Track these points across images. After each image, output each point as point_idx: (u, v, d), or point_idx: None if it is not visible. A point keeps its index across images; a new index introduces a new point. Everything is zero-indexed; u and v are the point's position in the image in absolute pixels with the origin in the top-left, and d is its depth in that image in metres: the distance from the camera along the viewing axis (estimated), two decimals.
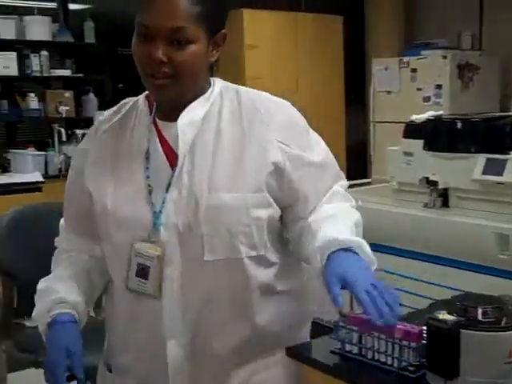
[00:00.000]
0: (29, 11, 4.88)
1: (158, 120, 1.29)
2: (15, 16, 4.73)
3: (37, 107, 4.79)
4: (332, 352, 1.29)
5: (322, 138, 1.37)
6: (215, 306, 1.26)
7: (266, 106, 1.29)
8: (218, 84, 1.31)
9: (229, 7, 1.32)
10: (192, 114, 1.26)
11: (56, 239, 1.43)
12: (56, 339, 1.25)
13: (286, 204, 1.30)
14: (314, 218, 1.29)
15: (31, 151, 4.67)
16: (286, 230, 1.35)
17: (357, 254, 1.20)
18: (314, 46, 5.79)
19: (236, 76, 5.53)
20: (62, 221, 1.43)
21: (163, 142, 1.27)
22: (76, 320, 1.29)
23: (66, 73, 4.85)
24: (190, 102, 1.26)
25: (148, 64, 1.20)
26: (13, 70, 4.66)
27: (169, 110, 1.27)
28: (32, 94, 4.79)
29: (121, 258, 1.27)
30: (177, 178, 1.24)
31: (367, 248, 1.21)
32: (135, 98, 1.34)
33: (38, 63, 4.76)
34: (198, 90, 1.27)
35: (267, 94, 1.34)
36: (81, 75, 4.91)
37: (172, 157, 1.26)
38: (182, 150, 1.24)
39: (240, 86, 1.34)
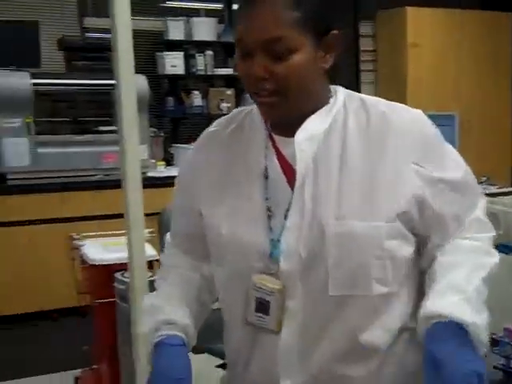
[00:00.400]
0: (196, 12, 5.14)
1: (274, 135, 1.17)
2: (183, 17, 4.98)
3: (200, 104, 5.02)
4: (495, 367, 1.23)
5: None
6: (335, 342, 1.11)
7: (399, 119, 1.13)
8: (340, 93, 1.17)
9: (337, 6, 1.16)
10: (311, 128, 1.13)
11: (161, 255, 1.35)
12: (164, 361, 1.14)
13: (423, 233, 1.14)
14: (442, 256, 1.13)
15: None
16: (419, 259, 1.18)
17: (465, 330, 1.01)
18: (479, 46, 5.49)
19: (397, 77, 5.40)
20: (167, 236, 1.34)
21: (281, 159, 1.15)
22: (185, 343, 1.17)
23: (229, 71, 5.03)
24: (309, 115, 1.13)
25: (250, 82, 1.09)
26: (179, 69, 4.94)
27: (285, 124, 1.14)
28: (196, 92, 5.03)
29: (236, 288, 1.16)
30: (298, 201, 1.11)
31: (481, 329, 1.01)
32: (250, 108, 1.21)
33: (202, 62, 4.99)
34: (317, 102, 1.14)
35: (397, 103, 1.17)
36: None
37: (291, 177, 1.13)
38: (301, 170, 1.11)
39: (365, 96, 1.18)
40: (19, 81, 4.03)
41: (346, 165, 1.11)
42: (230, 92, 5.02)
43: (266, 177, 1.14)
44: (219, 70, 5.05)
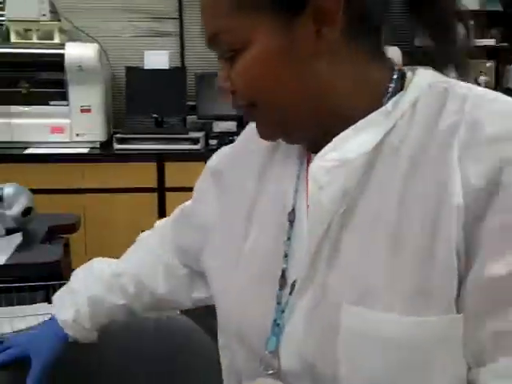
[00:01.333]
0: None
1: (313, 155, 0.76)
2: None
3: None
4: None
5: None
6: None
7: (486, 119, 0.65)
8: (418, 80, 0.71)
9: None
10: (346, 146, 0.68)
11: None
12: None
13: None
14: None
15: None
16: None
17: None
18: None
19: None
20: (162, 221, 1.15)
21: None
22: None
23: (490, 42, 4.65)
24: (357, 120, 0.70)
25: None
26: None
27: (319, 139, 0.72)
28: None
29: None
30: (310, 268, 0.72)
31: None
32: None
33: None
34: (357, 102, 0.70)
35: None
36: (505, 44, 4.77)
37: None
38: (316, 225, 0.70)
39: (471, 86, 0.70)
40: None
41: (405, 218, 0.66)
42: (489, 64, 4.69)
43: (291, 222, 0.76)
44: (480, 40, 4.59)
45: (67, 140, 3.89)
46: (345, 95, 0.70)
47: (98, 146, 3.98)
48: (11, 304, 1.51)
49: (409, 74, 0.73)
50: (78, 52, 3.89)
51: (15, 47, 3.98)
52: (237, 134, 1.17)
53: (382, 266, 0.66)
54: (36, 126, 3.89)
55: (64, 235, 2.15)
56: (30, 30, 3.97)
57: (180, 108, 4.24)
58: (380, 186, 0.68)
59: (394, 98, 0.70)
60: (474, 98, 0.68)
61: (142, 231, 1.22)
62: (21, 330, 1.33)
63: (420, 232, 0.65)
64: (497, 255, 0.63)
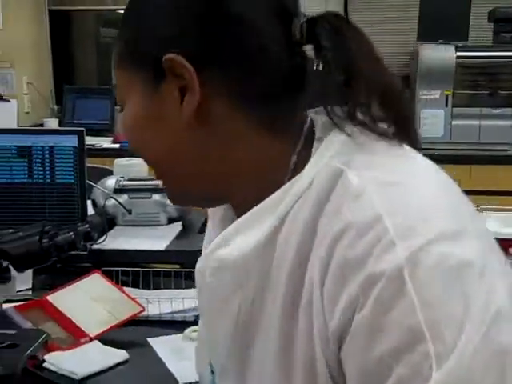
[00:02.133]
0: None
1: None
2: None
3: None
4: None
5: None
6: None
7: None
8: (315, 160, 0.64)
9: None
10: (236, 240, 0.66)
11: None
12: None
13: None
14: None
15: None
16: None
17: None
18: None
19: None
20: None
21: None
22: None
23: None
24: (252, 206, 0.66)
25: None
26: None
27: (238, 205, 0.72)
28: None
29: None
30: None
31: None
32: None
33: None
34: (246, 182, 0.68)
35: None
36: None
37: None
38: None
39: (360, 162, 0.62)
40: (444, 54, 4.08)
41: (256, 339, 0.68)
42: None
43: None
44: None
45: None
46: (235, 170, 0.67)
47: None
48: (158, 288, 1.64)
49: (315, 145, 0.66)
50: None
51: None
52: None
53: None
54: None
55: None
56: None
57: None
58: (271, 284, 0.65)
59: (293, 179, 0.64)
60: (353, 196, 0.60)
61: None
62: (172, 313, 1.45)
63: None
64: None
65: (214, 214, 0.80)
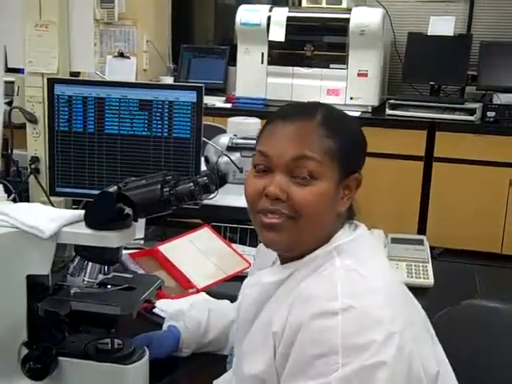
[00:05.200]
0: None
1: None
2: None
3: None
4: None
5: None
6: None
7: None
8: (334, 239, 0.99)
9: (365, 149, 1.06)
10: (268, 274, 1.03)
11: None
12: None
13: None
14: None
15: None
16: None
17: None
18: None
19: None
20: None
21: None
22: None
23: None
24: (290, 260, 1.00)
25: (261, 200, 0.96)
26: None
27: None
28: None
29: None
30: (236, 350, 1.13)
31: None
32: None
33: None
34: (320, 245, 0.98)
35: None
36: None
37: None
38: (240, 317, 1.09)
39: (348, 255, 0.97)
40: None
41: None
42: None
43: None
44: None
45: (341, 103, 4.02)
46: (322, 239, 0.99)
47: (370, 110, 4.04)
48: None
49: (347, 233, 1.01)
50: (362, 17, 3.96)
51: (306, 11, 4.20)
52: None
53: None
54: (313, 88, 4.10)
55: None
56: None
57: (459, 77, 4.10)
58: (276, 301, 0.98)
59: (318, 251, 0.99)
60: (326, 280, 0.93)
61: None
62: None
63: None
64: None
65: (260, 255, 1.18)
